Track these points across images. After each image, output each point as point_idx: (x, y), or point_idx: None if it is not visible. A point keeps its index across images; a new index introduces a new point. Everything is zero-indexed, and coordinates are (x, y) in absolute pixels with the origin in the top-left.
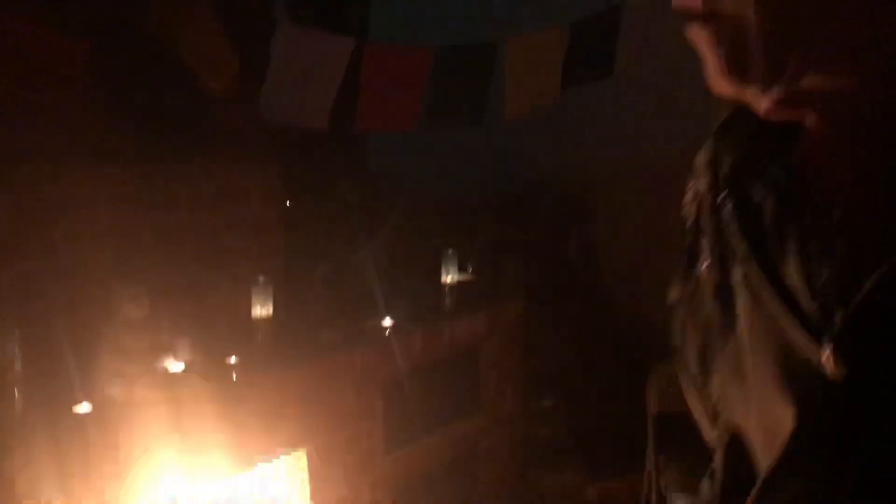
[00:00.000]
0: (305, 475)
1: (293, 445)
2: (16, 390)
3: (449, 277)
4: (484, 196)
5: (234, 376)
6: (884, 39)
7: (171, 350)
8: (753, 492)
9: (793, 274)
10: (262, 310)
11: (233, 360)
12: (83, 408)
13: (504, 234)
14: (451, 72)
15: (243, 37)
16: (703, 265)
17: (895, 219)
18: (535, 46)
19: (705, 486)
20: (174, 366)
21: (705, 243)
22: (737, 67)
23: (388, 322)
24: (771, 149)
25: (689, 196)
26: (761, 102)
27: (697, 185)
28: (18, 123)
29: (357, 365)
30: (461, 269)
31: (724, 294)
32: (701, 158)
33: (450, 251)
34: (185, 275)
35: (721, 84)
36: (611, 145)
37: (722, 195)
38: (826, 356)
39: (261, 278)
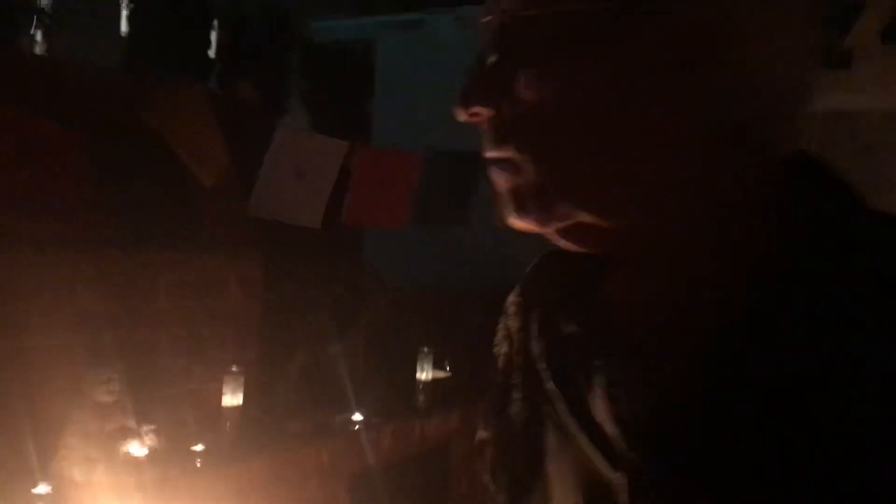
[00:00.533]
0: None
1: None
2: None
3: (424, 374)
4: (466, 290)
5: (199, 463)
6: (671, 184)
7: (136, 435)
8: None
9: (599, 406)
10: (232, 399)
11: (199, 447)
12: (41, 489)
13: (486, 328)
14: (441, 175)
15: (238, 134)
16: (514, 402)
17: (694, 348)
18: None
19: None
20: (138, 451)
21: (516, 380)
22: (520, 206)
23: (357, 416)
24: (580, 284)
25: (500, 335)
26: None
27: (508, 323)
28: (3, 204)
29: (323, 458)
30: (438, 365)
31: (534, 430)
32: (511, 299)
33: (425, 349)
34: (159, 361)
35: (516, 222)
36: None
37: (533, 337)
38: (618, 479)
39: (233, 367)
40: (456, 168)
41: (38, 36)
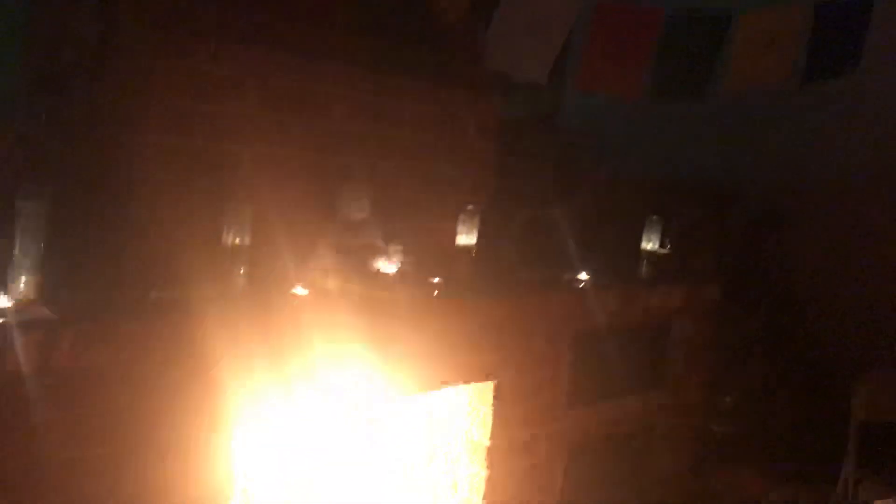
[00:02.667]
0: (490, 409)
1: (482, 377)
2: (241, 267)
3: (649, 245)
4: (683, 178)
5: (436, 293)
6: None
7: (384, 254)
8: None
9: None
10: (466, 238)
11: (436, 279)
12: (298, 290)
13: (700, 219)
14: (680, 40)
15: None
16: None
17: None
18: (770, 22)
19: None
20: (387, 268)
21: None
22: None
23: (584, 276)
24: None
25: None
26: None
27: None
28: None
29: (552, 310)
30: (661, 241)
31: None
32: None
33: (654, 217)
34: (400, 192)
35: None
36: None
37: None
38: None
39: (469, 206)
40: (696, 32)
41: None
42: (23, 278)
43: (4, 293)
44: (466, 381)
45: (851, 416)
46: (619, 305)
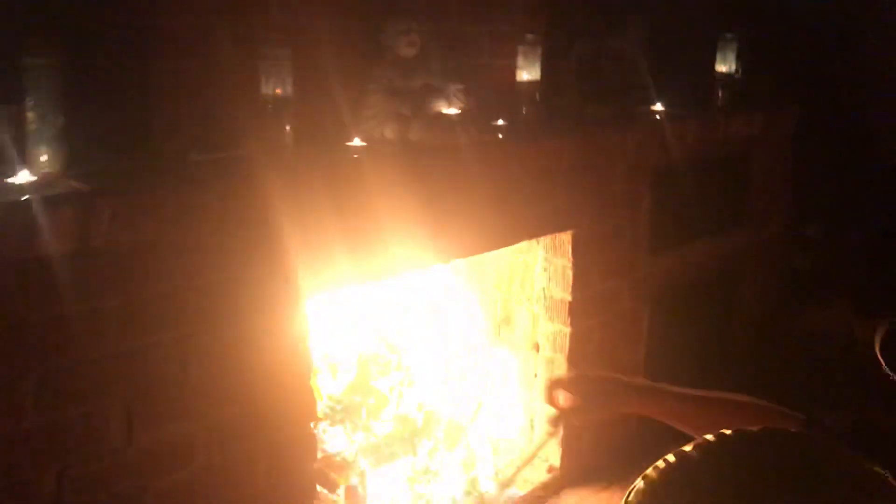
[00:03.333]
0: (568, 262)
1: (557, 227)
2: (287, 125)
3: (724, 67)
4: None
5: (500, 136)
6: None
7: (443, 95)
8: None
9: None
10: (527, 74)
11: (500, 121)
12: (356, 142)
13: (770, 39)
14: None
15: None
16: None
17: None
18: None
19: None
20: (447, 110)
21: None
22: None
23: (658, 107)
24: None
25: None
26: None
27: None
28: None
29: (628, 147)
30: (739, 58)
31: None
32: None
33: (728, 35)
34: (452, 22)
35: None
36: None
37: None
38: None
39: (528, 36)
40: None
41: None
42: (44, 148)
43: (26, 167)
44: (541, 234)
45: None
46: (698, 136)
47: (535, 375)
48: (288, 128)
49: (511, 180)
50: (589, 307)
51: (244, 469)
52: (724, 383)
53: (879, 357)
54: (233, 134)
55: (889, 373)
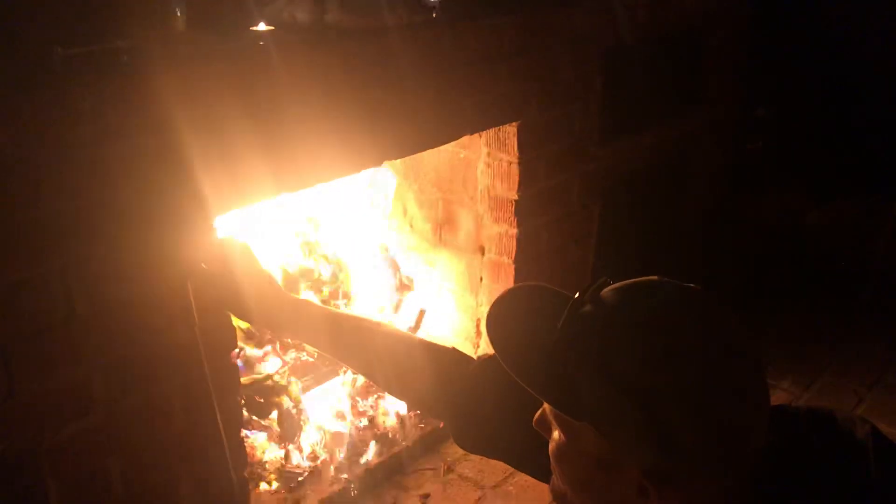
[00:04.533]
0: (514, 157)
1: (501, 118)
2: (178, 8)
3: None
4: None
5: (435, 15)
6: None
7: None
8: None
9: None
10: None
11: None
12: (262, 27)
13: None
14: None
15: None
16: None
17: None
18: None
19: None
20: None
21: None
22: None
23: None
24: None
25: None
26: None
27: None
28: None
29: (576, 24)
30: None
31: None
32: None
33: None
34: None
35: None
36: None
37: None
38: None
39: None
40: None
41: None
42: None
43: None
44: (482, 127)
45: None
46: (650, 12)
47: (481, 280)
48: (179, 12)
49: (447, 68)
50: (536, 205)
51: (157, 411)
52: (672, 274)
53: None
54: (111, 20)
55: None
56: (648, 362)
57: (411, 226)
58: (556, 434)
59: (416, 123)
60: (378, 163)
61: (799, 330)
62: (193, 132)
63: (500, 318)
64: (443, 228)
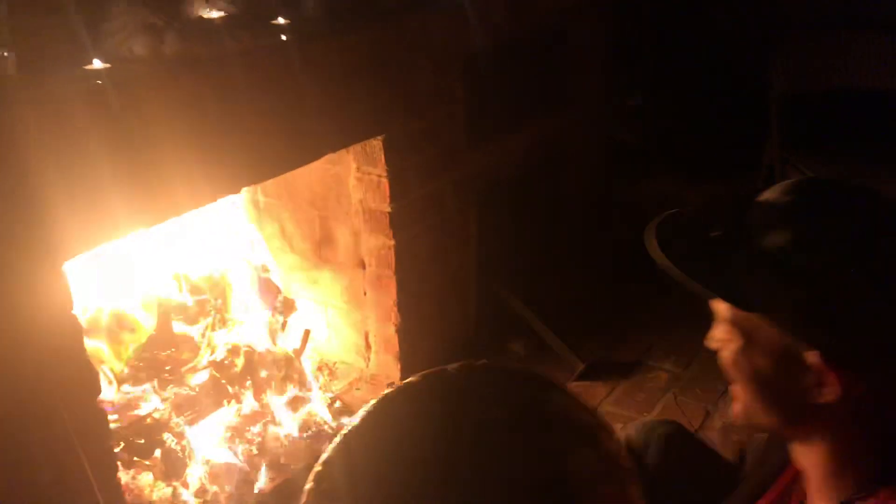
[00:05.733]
0: (382, 170)
1: (364, 133)
2: (5, 50)
3: None
4: None
5: (283, 38)
6: None
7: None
8: None
9: None
10: None
11: (280, 20)
12: (97, 64)
13: None
14: None
15: None
16: None
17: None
18: None
19: None
20: (211, 14)
21: None
22: None
23: None
24: None
25: None
26: None
27: None
28: None
29: (432, 33)
30: None
31: None
32: None
33: None
34: None
35: None
36: None
37: None
38: None
39: None
40: None
41: None
42: None
43: None
44: (345, 144)
45: (770, 91)
46: (507, 14)
47: (365, 293)
48: (6, 53)
49: (300, 89)
50: (411, 215)
51: (20, 475)
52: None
53: None
54: None
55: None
56: (814, 242)
57: (291, 245)
58: (731, 343)
59: (272, 148)
60: (235, 190)
61: (674, 316)
62: (34, 174)
63: (653, 240)
64: (322, 246)
